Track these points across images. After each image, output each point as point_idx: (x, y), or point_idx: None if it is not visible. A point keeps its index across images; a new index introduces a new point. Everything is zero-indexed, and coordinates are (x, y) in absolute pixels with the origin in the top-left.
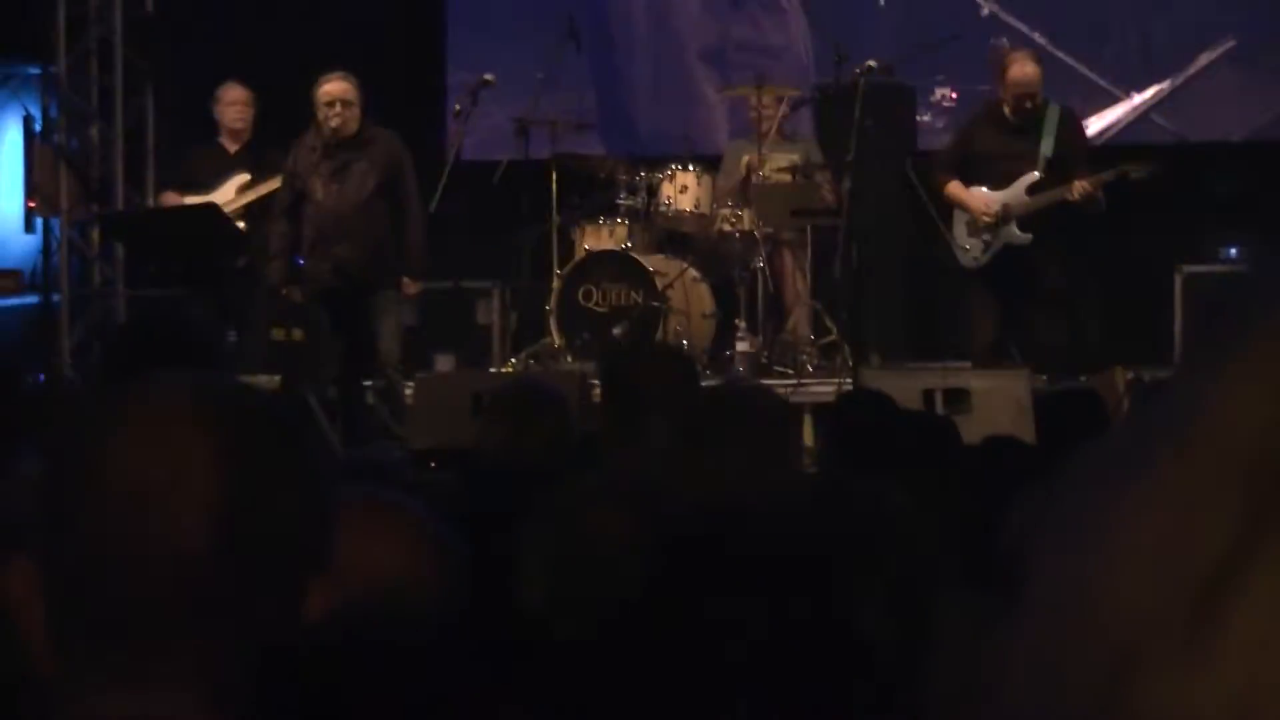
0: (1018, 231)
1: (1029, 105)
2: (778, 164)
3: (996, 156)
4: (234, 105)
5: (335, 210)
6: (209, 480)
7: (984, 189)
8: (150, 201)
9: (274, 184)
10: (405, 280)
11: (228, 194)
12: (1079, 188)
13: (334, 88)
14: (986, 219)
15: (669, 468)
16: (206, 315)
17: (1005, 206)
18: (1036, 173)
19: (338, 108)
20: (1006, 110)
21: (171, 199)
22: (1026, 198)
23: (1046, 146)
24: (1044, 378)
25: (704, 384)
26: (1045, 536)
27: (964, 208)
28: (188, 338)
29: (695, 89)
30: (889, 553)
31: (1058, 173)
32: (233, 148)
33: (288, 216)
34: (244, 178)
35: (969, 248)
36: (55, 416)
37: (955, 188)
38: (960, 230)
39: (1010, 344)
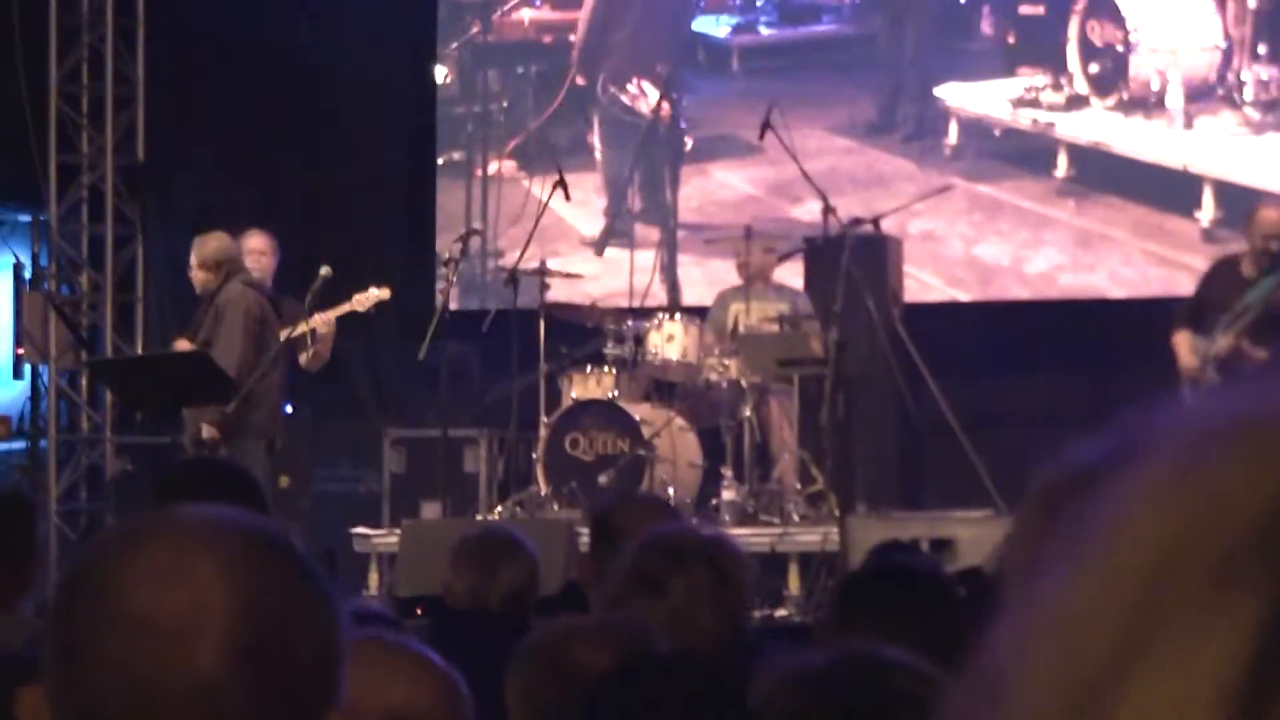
0: (1215, 376)
1: (1275, 248)
2: (765, 314)
3: (1221, 308)
4: (253, 254)
5: None
6: (227, 612)
7: (1201, 339)
8: (140, 349)
9: (286, 330)
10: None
11: None
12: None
13: None
14: (1189, 374)
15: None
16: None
17: (1205, 357)
18: (1229, 315)
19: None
20: (1243, 264)
21: (184, 346)
22: (1222, 341)
23: (1253, 295)
24: None
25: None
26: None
27: (1177, 359)
28: (242, 479)
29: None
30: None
31: (1262, 323)
32: None
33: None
34: None
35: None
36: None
37: (1178, 339)
38: (1184, 381)
39: None
